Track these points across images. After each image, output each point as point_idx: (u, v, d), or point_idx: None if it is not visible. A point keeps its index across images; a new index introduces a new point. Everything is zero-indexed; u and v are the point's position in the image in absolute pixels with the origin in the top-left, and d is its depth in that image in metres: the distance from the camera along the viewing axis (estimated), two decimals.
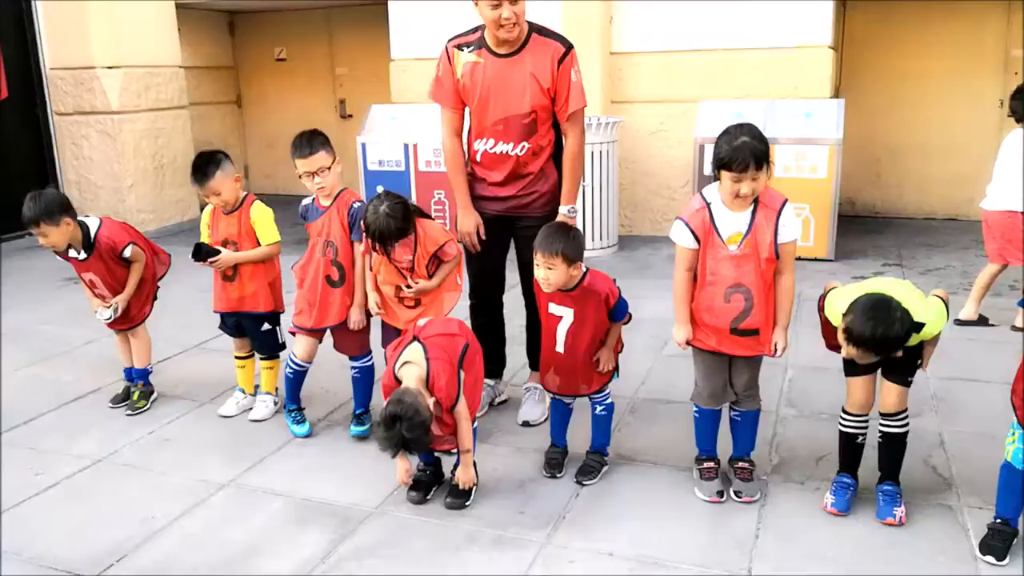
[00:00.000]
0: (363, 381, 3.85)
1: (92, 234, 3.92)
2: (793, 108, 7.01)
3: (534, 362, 3.98)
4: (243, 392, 4.13)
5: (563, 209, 3.72)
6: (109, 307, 3.99)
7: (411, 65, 8.36)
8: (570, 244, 3.10)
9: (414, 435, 2.78)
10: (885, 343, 2.73)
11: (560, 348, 3.27)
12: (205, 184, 3.74)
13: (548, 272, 3.11)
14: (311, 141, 3.59)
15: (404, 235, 3.37)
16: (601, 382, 3.34)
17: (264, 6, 10.20)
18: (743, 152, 2.83)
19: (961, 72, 8.25)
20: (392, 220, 3.30)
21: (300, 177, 3.63)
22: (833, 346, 3.09)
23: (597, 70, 7.54)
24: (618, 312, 3.25)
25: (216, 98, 10.99)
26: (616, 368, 3.38)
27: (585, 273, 3.19)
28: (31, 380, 4.61)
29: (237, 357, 4.12)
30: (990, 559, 2.75)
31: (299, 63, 10.99)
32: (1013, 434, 2.75)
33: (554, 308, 3.23)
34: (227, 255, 3.80)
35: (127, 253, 3.98)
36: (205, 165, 3.75)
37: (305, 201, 3.78)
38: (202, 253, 3.76)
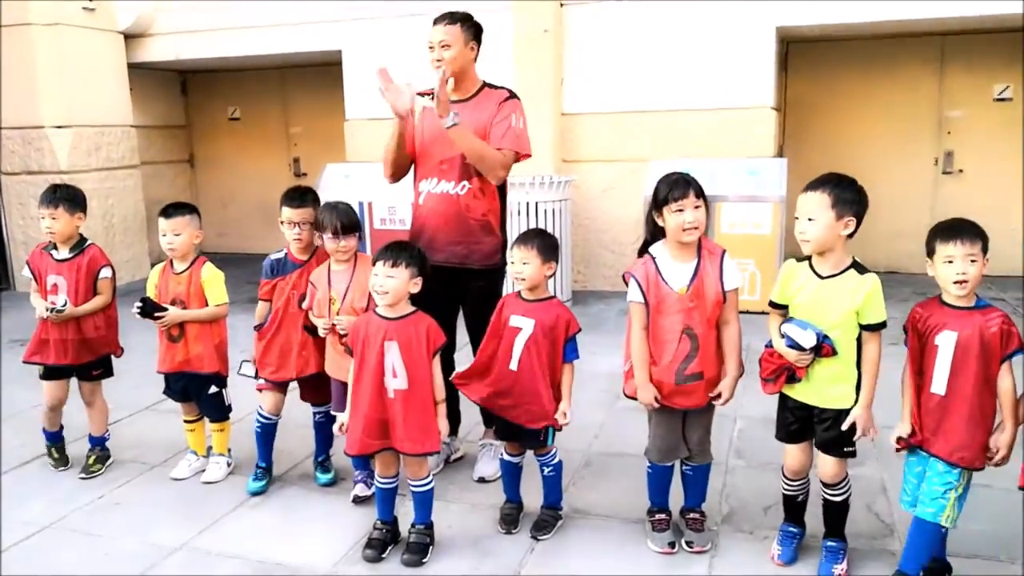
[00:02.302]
0: (326, 427, 3.87)
1: (84, 244, 4.04)
2: (738, 167, 7.25)
3: (488, 419, 4.00)
4: (195, 454, 4.10)
5: (448, 119, 3.58)
6: (57, 305, 3.87)
7: (365, 125, 8.48)
8: (544, 241, 3.25)
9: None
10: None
11: (514, 365, 3.25)
12: (173, 217, 3.82)
13: (523, 267, 3.22)
14: (304, 196, 3.77)
15: (358, 227, 3.59)
16: (539, 421, 3.26)
17: (217, 65, 10.27)
18: (679, 181, 3.00)
19: (897, 133, 8.64)
20: (347, 209, 3.58)
21: (282, 223, 3.74)
22: (768, 375, 3.08)
23: (549, 130, 7.74)
24: (570, 349, 3.27)
25: (169, 157, 10.96)
26: (553, 432, 3.34)
27: (553, 296, 3.30)
28: None
29: (186, 420, 4.10)
30: None
31: (253, 122, 11.05)
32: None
33: (516, 320, 3.26)
34: (174, 313, 3.81)
35: (104, 274, 4.01)
36: (180, 205, 3.92)
37: (275, 255, 3.82)
38: (148, 308, 3.75)
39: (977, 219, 2.77)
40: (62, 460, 4.19)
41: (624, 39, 7.78)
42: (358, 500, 3.68)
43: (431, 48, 3.73)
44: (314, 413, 3.90)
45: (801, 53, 8.73)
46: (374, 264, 3.12)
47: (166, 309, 3.79)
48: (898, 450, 2.89)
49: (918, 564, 2.85)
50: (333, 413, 3.75)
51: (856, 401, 2.92)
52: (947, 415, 2.72)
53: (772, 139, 7.61)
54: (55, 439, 4.20)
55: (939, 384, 2.73)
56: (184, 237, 3.83)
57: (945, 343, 2.70)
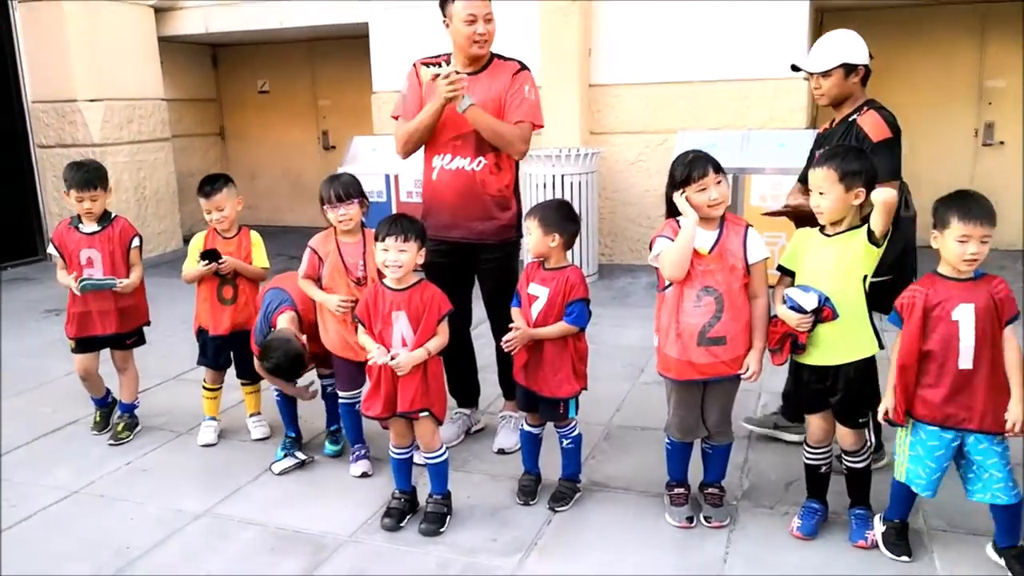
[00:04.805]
0: (336, 397, 3.86)
1: (111, 216, 4.11)
2: (769, 138, 7.14)
3: (508, 391, 4.01)
4: (214, 419, 4.17)
5: (464, 102, 3.56)
6: (115, 282, 3.96)
7: (393, 97, 8.35)
8: (550, 212, 3.26)
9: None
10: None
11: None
12: (213, 196, 3.91)
13: (527, 237, 3.28)
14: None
15: (356, 196, 3.57)
16: (556, 391, 3.26)
17: (247, 39, 10.30)
18: (697, 160, 2.99)
19: (936, 103, 8.42)
20: (349, 180, 3.59)
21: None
22: (774, 345, 3.05)
23: (576, 102, 7.67)
24: (569, 311, 3.21)
25: (199, 130, 11.05)
26: (576, 404, 3.36)
27: (570, 265, 3.29)
28: (9, 412, 4.59)
29: (210, 388, 4.15)
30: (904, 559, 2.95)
31: (282, 95, 11.09)
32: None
33: (533, 288, 3.28)
34: (232, 260, 3.93)
35: (135, 243, 4.10)
36: (215, 180, 3.98)
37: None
38: (212, 254, 3.88)
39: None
40: (102, 423, 4.29)
41: (653, 8, 7.66)
42: (365, 476, 3.70)
43: (472, 21, 3.59)
44: (324, 386, 3.91)
45: (836, 22, 8.49)
46: (381, 239, 3.11)
47: (222, 258, 3.91)
48: (890, 423, 2.87)
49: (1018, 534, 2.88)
50: (341, 395, 3.74)
51: (876, 348, 2.96)
52: (977, 388, 2.71)
53: (805, 110, 7.47)
54: (102, 404, 4.32)
55: (966, 359, 2.70)
56: (228, 211, 3.96)
57: (965, 316, 2.69)
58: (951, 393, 2.74)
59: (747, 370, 3.05)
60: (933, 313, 2.73)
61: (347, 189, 3.55)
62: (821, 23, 8.49)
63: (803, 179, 3.66)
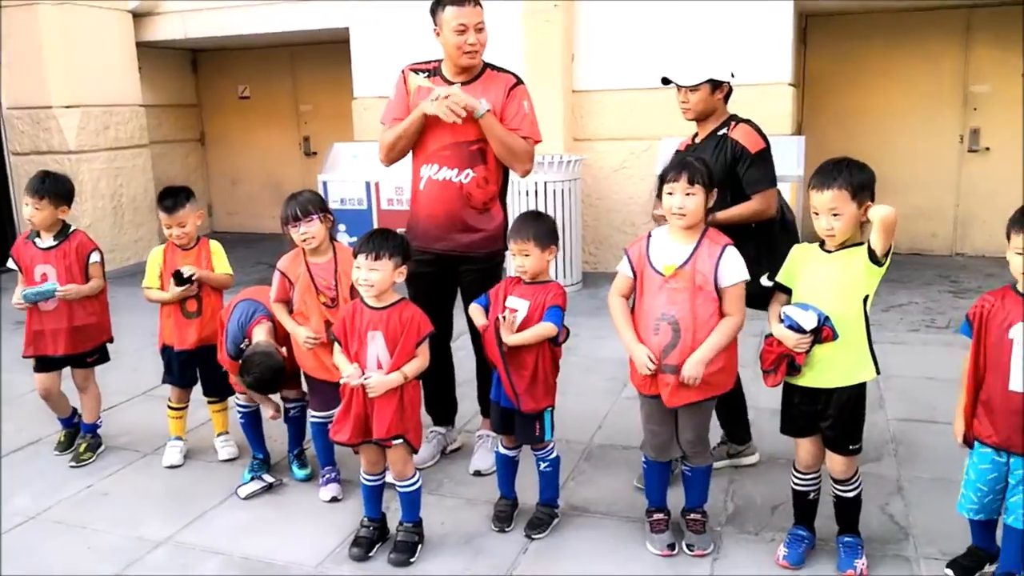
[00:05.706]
0: (300, 420, 3.78)
1: (68, 230, 3.95)
2: None
3: (486, 407, 3.88)
4: (180, 440, 4.03)
5: (480, 108, 3.49)
6: (55, 287, 3.78)
7: (373, 103, 8.31)
8: (540, 227, 3.13)
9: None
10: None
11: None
12: (175, 212, 3.76)
13: (524, 260, 3.11)
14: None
15: (322, 207, 3.44)
16: (535, 404, 3.13)
17: (227, 44, 10.15)
18: (677, 163, 2.91)
19: (921, 109, 8.35)
20: (307, 197, 3.43)
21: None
22: (769, 366, 2.93)
23: (559, 108, 7.55)
24: (548, 316, 3.07)
25: (179, 136, 10.88)
26: (551, 425, 3.22)
27: (552, 281, 3.18)
28: None
29: (176, 408, 4.00)
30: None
31: (263, 101, 10.94)
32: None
33: (512, 301, 3.15)
34: (202, 272, 3.80)
35: (94, 258, 3.93)
36: (177, 194, 3.82)
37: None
38: (183, 276, 3.74)
39: (1005, 199, 2.64)
40: (66, 444, 4.14)
41: (636, 14, 7.56)
42: (335, 501, 3.57)
43: (463, 30, 3.48)
44: (287, 408, 3.77)
45: (820, 26, 8.46)
46: (355, 256, 2.98)
47: (193, 273, 3.77)
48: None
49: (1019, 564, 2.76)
50: (315, 414, 3.61)
51: (874, 373, 2.85)
52: None
53: (790, 116, 7.38)
54: (68, 424, 4.18)
55: (1016, 381, 2.59)
56: (189, 227, 3.82)
57: (1019, 337, 2.57)
58: (1005, 415, 2.62)
59: (682, 373, 2.84)
60: (993, 327, 2.63)
61: (304, 207, 3.40)
62: (805, 28, 8.41)
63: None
